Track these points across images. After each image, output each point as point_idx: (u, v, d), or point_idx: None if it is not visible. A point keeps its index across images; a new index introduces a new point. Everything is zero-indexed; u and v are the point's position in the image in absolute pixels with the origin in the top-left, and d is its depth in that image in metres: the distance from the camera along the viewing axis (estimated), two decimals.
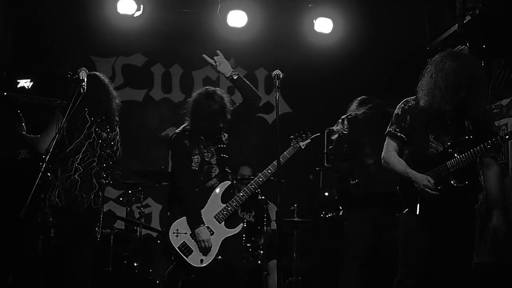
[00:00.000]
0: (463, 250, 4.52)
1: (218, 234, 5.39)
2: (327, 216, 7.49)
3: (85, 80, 4.50)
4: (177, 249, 5.37)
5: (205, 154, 5.48)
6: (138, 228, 6.86)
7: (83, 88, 4.43)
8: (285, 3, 8.32)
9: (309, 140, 5.71)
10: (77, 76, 4.56)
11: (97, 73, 5.12)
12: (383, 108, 5.68)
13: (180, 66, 9.37)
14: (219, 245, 5.36)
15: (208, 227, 5.36)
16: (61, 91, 6.06)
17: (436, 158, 4.50)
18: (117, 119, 5.18)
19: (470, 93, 4.41)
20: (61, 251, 4.77)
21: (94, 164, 4.91)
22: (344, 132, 5.72)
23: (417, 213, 4.49)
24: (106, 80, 5.14)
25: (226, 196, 5.49)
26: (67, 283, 4.76)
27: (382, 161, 4.76)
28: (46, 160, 4.11)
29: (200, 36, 8.79)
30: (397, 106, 4.77)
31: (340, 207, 6.79)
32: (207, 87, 5.70)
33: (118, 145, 5.16)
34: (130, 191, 7.23)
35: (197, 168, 5.44)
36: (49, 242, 4.63)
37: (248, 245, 7.28)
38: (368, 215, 5.64)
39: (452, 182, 4.42)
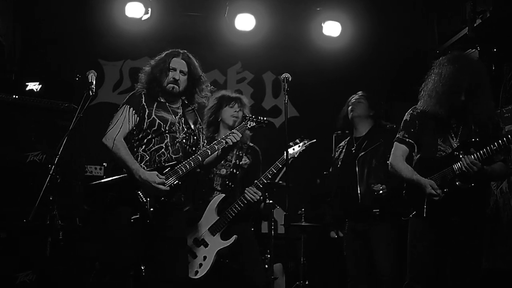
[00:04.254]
0: (472, 254, 4.51)
1: (212, 245, 5.40)
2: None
3: (94, 82, 4.50)
4: None
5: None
6: None
7: (92, 91, 4.43)
8: (293, 7, 8.29)
9: (304, 148, 5.58)
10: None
11: None
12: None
13: None
14: (213, 257, 5.35)
15: (203, 239, 5.40)
16: (69, 94, 6.07)
17: (443, 161, 4.50)
18: None
19: (470, 96, 4.42)
20: None
21: None
22: None
23: (424, 215, 4.49)
24: None
25: (221, 209, 5.50)
26: None
27: (389, 167, 4.76)
28: (55, 163, 4.10)
29: (208, 39, 8.78)
30: (406, 113, 4.81)
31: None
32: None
33: None
34: None
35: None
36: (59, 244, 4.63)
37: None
38: None
39: (457, 183, 4.41)
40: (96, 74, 4.60)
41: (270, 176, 5.42)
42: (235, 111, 5.62)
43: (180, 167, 4.63)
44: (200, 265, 5.35)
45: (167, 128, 4.68)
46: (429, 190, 4.42)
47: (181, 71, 4.81)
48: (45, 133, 5.75)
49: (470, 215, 4.47)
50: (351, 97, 5.96)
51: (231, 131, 4.97)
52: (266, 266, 7.23)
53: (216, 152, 4.83)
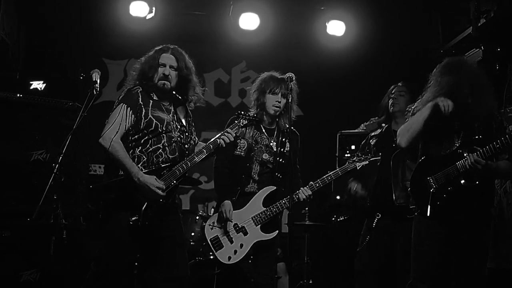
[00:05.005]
0: (476, 253, 4.50)
1: (251, 235, 5.30)
2: (338, 219, 7.46)
3: (98, 81, 4.50)
4: (209, 241, 5.34)
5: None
6: None
7: (96, 90, 4.43)
8: (297, 6, 8.30)
9: (366, 162, 5.43)
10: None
11: None
12: None
13: None
14: (250, 246, 5.28)
15: (243, 227, 5.30)
16: (73, 93, 6.08)
17: (446, 159, 4.51)
18: None
19: (473, 97, 4.45)
20: None
21: None
22: None
23: (428, 214, 4.48)
24: None
25: (268, 200, 5.37)
26: None
27: (398, 137, 4.79)
28: (59, 161, 4.10)
29: (212, 38, 8.80)
30: (407, 107, 4.83)
31: None
32: None
33: None
34: None
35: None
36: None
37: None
38: None
39: (462, 182, 4.41)
40: (100, 73, 4.58)
41: (327, 182, 5.29)
42: (277, 101, 5.43)
43: (177, 167, 4.60)
44: (235, 251, 5.27)
45: (164, 129, 4.64)
46: (440, 102, 4.45)
47: (171, 66, 4.72)
48: (49, 132, 5.75)
49: (474, 214, 4.47)
50: (393, 88, 5.80)
51: (224, 130, 4.91)
52: None
53: (209, 152, 4.80)
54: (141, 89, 4.67)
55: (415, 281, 4.56)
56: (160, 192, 4.45)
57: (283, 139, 5.48)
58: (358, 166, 5.40)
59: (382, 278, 5.49)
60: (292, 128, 5.17)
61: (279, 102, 5.39)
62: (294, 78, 4.94)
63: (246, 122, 5.08)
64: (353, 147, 7.18)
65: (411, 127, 4.64)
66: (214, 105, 9.39)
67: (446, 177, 4.45)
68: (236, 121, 5.05)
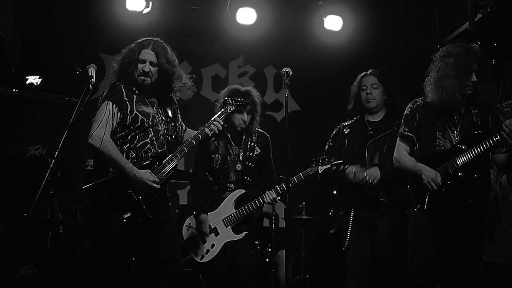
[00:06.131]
0: (472, 248, 4.53)
1: (222, 236, 5.53)
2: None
3: (94, 76, 4.49)
4: (185, 240, 5.63)
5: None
6: None
7: (92, 84, 4.41)
8: (294, 1, 8.30)
9: (328, 166, 5.45)
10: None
11: None
12: None
13: (189, 64, 9.33)
14: (220, 247, 5.50)
15: (215, 228, 5.52)
16: (70, 88, 6.06)
17: (445, 154, 4.52)
18: None
19: (479, 78, 4.46)
20: None
21: None
22: None
23: (425, 207, 4.51)
24: None
25: (239, 203, 5.56)
26: None
27: (394, 161, 4.78)
28: (55, 156, 4.10)
29: (209, 33, 8.79)
30: (407, 107, 4.82)
31: None
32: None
33: None
34: None
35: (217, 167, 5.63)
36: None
37: (257, 242, 7.27)
38: None
39: (460, 175, 4.42)
40: (96, 68, 4.58)
41: (290, 186, 5.27)
42: (243, 120, 5.55)
43: (167, 160, 4.63)
44: (207, 251, 5.51)
45: (150, 123, 4.65)
46: (433, 177, 4.46)
47: (151, 62, 4.69)
48: (46, 127, 5.73)
49: (470, 208, 4.48)
50: (362, 77, 5.66)
51: (212, 119, 4.93)
52: (267, 259, 7.27)
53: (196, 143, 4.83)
54: (123, 85, 4.68)
55: (411, 275, 4.59)
56: (156, 185, 4.47)
57: (252, 144, 5.66)
58: (320, 169, 5.46)
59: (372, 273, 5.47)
60: (260, 130, 5.69)
61: (245, 121, 5.54)
62: (291, 73, 4.93)
63: (234, 108, 5.14)
64: None
65: (404, 167, 4.73)
66: (212, 100, 9.36)
67: (445, 171, 4.47)
68: (223, 109, 5.09)
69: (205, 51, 9.19)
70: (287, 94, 4.96)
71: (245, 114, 5.51)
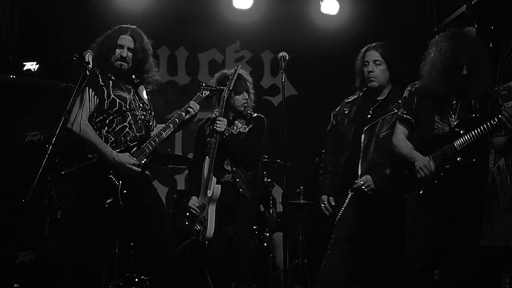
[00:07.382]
0: (470, 232, 4.53)
1: (208, 206, 5.37)
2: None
3: (91, 62, 4.49)
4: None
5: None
6: None
7: (89, 70, 4.41)
8: None
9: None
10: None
11: None
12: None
13: (186, 49, 9.33)
14: (213, 217, 5.34)
15: (203, 204, 5.42)
16: (68, 74, 6.05)
17: (443, 138, 4.51)
18: None
19: (471, 70, 4.42)
20: None
21: None
22: None
23: (420, 192, 4.52)
24: None
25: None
26: None
27: (392, 147, 4.77)
28: (52, 142, 4.10)
29: (206, 18, 8.76)
30: (405, 90, 4.80)
31: None
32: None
33: None
34: None
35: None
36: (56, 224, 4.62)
37: (255, 227, 7.28)
38: None
39: (458, 159, 4.42)
40: (93, 53, 4.59)
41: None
42: (245, 99, 5.59)
43: (146, 145, 4.67)
44: (204, 228, 5.36)
45: (127, 107, 4.68)
46: (425, 163, 4.46)
47: (128, 48, 4.76)
48: (43, 113, 5.73)
49: (468, 192, 4.49)
50: (366, 51, 5.43)
51: (188, 103, 4.98)
52: (265, 244, 7.29)
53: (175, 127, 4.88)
54: (99, 71, 4.70)
55: (409, 259, 4.59)
56: (136, 168, 4.50)
57: (242, 121, 5.66)
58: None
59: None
60: (254, 114, 5.71)
61: (246, 99, 5.59)
62: (287, 58, 4.91)
63: (208, 93, 5.18)
64: None
65: (400, 152, 4.71)
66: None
67: (443, 155, 4.46)
68: (198, 93, 5.12)
69: (202, 36, 9.17)
70: (284, 79, 4.94)
71: (244, 93, 5.55)
